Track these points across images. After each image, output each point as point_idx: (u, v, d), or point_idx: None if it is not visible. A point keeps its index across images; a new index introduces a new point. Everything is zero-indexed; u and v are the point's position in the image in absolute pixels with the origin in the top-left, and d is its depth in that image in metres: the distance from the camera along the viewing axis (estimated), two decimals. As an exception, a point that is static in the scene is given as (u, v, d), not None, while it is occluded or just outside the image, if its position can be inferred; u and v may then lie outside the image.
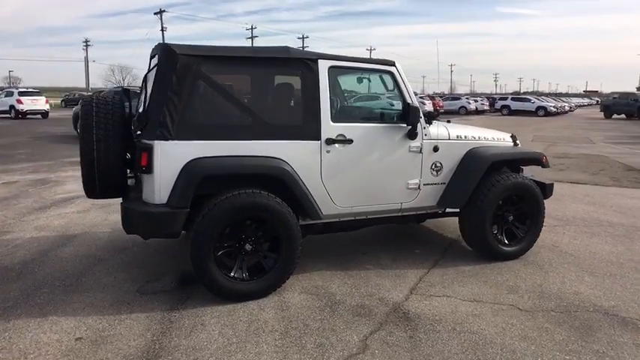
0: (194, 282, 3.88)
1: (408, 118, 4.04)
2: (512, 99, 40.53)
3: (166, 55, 3.47)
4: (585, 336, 3.16)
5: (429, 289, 3.88)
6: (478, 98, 43.72)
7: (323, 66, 3.83)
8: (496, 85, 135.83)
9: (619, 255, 4.75)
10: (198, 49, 3.50)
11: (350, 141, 3.91)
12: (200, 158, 3.47)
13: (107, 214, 6.16)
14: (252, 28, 65.78)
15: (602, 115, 35.11)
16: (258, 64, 3.72)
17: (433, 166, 4.33)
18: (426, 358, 2.88)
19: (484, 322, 3.34)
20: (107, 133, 3.64)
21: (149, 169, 3.41)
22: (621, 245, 5.06)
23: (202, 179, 3.41)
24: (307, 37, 74.95)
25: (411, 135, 4.14)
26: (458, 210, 4.49)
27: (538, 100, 40.00)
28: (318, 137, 3.80)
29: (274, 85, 3.93)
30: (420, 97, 32.00)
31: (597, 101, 67.12)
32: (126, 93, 4.05)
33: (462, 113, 37.96)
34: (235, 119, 3.65)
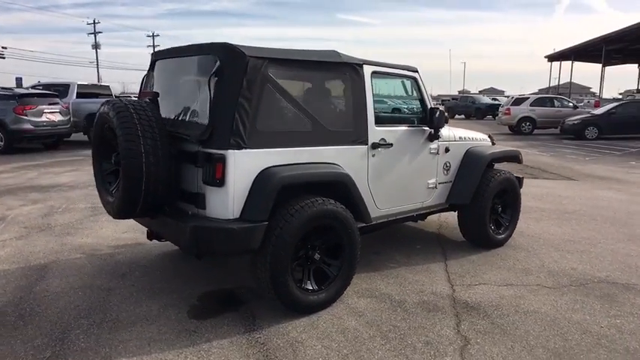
0: (234, 300, 3.69)
1: (432, 121, 4.31)
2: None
3: (234, 56, 3.20)
4: (612, 302, 3.78)
5: (462, 280, 4.21)
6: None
7: (367, 71, 3.90)
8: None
9: (571, 234, 5.65)
10: (264, 51, 3.31)
11: (390, 145, 4.04)
12: (271, 167, 3.29)
13: (56, 237, 5.29)
14: (94, 23, 59.79)
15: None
16: (316, 68, 3.64)
17: (444, 166, 4.68)
18: (523, 339, 3.18)
19: (532, 301, 3.77)
20: (155, 144, 3.22)
21: (222, 181, 3.13)
22: (565, 226, 6.02)
23: (280, 189, 3.24)
24: (158, 36, 71.15)
25: (433, 137, 4.42)
26: (451, 205, 4.90)
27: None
28: (366, 142, 3.86)
29: (329, 90, 3.87)
30: None
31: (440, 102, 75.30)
32: (156, 96, 3.57)
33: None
34: (298, 125, 3.52)
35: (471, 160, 4.83)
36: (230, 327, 3.31)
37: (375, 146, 3.93)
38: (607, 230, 5.84)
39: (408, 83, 4.46)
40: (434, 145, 4.50)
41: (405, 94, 4.58)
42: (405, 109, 4.58)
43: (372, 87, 3.91)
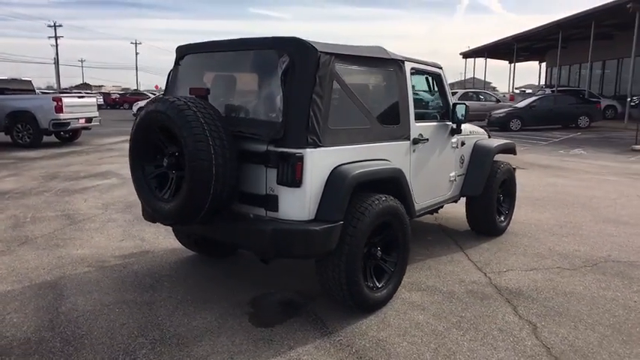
0: (288, 304, 3.60)
1: (455, 116, 4.46)
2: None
3: (306, 52, 3.08)
4: (628, 279, 4.16)
5: (490, 267, 4.41)
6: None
7: (408, 67, 3.93)
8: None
9: (555, 219, 6.12)
10: (330, 47, 3.21)
11: (426, 140, 4.12)
12: (341, 165, 3.23)
13: (45, 250, 4.77)
14: (-14, 12, 53.92)
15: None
16: (371, 64, 3.60)
17: (460, 159, 4.86)
18: (580, 319, 3.41)
19: (563, 283, 4.05)
20: (223, 144, 3.02)
21: (300, 181, 3.01)
22: (545, 212, 6.50)
23: (355, 188, 3.18)
24: (60, 26, 65.84)
25: (454, 132, 4.57)
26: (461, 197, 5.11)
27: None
28: (409, 137, 3.91)
29: (380, 86, 3.82)
30: None
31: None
32: (207, 93, 3.31)
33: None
34: (359, 122, 3.47)
35: (481, 152, 5.06)
36: (304, 332, 3.20)
37: (415, 142, 3.98)
38: (581, 214, 6.40)
39: (431, 79, 4.56)
40: (454, 139, 4.65)
41: (428, 90, 4.68)
42: (431, 105, 4.68)
43: (411, 83, 3.96)
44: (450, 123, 4.54)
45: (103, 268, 4.32)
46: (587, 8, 20.25)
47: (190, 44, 3.80)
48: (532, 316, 3.44)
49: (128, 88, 68.08)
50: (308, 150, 3.02)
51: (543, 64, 38.30)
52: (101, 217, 6.06)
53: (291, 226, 3.03)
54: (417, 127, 4.02)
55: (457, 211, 5.98)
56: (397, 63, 3.81)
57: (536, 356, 2.93)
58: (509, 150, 5.61)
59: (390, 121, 3.76)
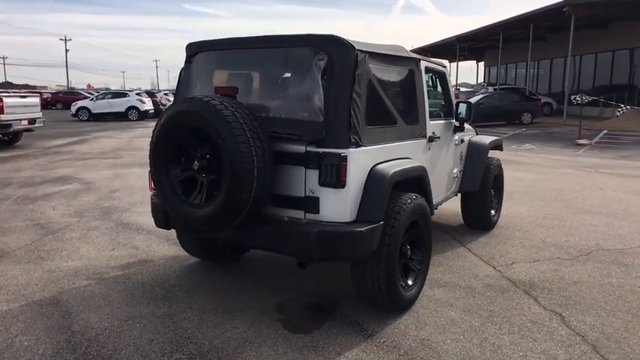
0: (317, 308, 3.54)
1: (459, 114, 4.54)
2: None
3: (346, 50, 3.00)
4: (624, 266, 4.41)
5: (496, 261, 4.53)
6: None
7: (422, 66, 3.95)
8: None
9: (536, 212, 6.40)
10: (363, 45, 3.15)
11: (438, 138, 4.16)
12: (378, 164, 3.19)
13: (29, 264, 4.37)
14: None
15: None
16: (396, 63, 3.57)
17: (460, 156, 4.96)
18: (599, 306, 3.56)
19: (568, 273, 4.23)
20: (262, 145, 2.88)
21: (344, 182, 2.93)
22: (524, 205, 6.78)
23: (393, 188, 3.15)
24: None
25: (457, 129, 4.66)
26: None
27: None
28: (425, 135, 3.93)
29: (403, 85, 3.79)
30: (137, 94, 28.50)
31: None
32: (236, 92, 3.13)
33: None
34: (388, 120, 3.43)
35: (476, 149, 5.18)
36: (345, 336, 3.13)
37: (430, 140, 4.01)
38: (556, 206, 6.73)
39: (435, 78, 4.61)
40: (457, 136, 4.74)
41: (434, 88, 4.72)
42: (438, 103, 4.73)
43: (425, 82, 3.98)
44: (453, 121, 4.61)
45: (103, 280, 4.02)
46: (527, 10, 21.39)
47: (204, 41, 3.60)
48: (555, 307, 3.57)
49: (73, 88, 63.62)
50: (351, 150, 2.95)
51: (481, 64, 40.06)
52: (79, 225, 5.64)
53: (337, 228, 2.95)
54: (431, 126, 4.05)
55: (442, 206, 6.11)
56: (415, 61, 3.82)
57: (575, 345, 3.03)
58: (498, 146, 5.80)
59: (412, 120, 3.76)
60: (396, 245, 3.18)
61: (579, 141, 14.18)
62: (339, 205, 2.99)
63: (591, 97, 16.01)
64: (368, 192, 3.07)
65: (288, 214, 3.12)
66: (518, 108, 20.28)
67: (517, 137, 16.45)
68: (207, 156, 3.03)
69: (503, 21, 24.10)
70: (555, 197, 7.26)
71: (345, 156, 2.91)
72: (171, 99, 30.67)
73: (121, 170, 9.64)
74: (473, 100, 20.87)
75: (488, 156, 5.45)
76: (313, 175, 2.99)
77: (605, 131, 16.41)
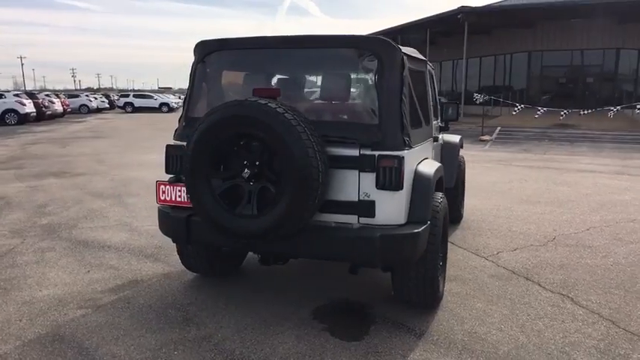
0: (350, 311, 3.52)
1: (445, 114, 4.75)
2: (135, 96, 40.59)
3: (394, 52, 2.99)
4: (589, 248, 4.95)
5: (482, 252, 4.83)
6: (97, 96, 41.67)
7: (429, 67, 4.07)
8: (74, 80, 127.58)
9: (486, 204, 6.91)
10: (402, 48, 3.16)
11: (437, 138, 4.32)
12: (418, 165, 3.23)
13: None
14: None
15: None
16: (419, 65, 3.62)
17: (440, 154, 5.19)
18: (600, 285, 3.96)
19: (550, 258, 4.64)
20: (322, 149, 2.77)
21: (402, 184, 2.92)
22: (473, 198, 7.24)
23: (435, 189, 3.21)
24: None
25: (442, 129, 4.87)
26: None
27: (160, 97, 41.54)
28: (431, 135, 4.06)
29: (422, 87, 3.82)
30: (15, 95, 25.19)
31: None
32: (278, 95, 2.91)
33: (83, 112, 35.38)
34: (419, 122, 3.47)
35: (450, 148, 5.46)
36: (398, 337, 3.13)
37: (435, 140, 4.16)
38: (499, 198, 7.34)
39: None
40: (440, 136, 4.95)
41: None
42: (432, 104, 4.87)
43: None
44: (439, 121, 4.82)
45: (100, 307, 3.55)
46: (426, 16, 23.06)
47: (224, 40, 3.34)
48: (559, 289, 3.91)
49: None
50: (405, 151, 2.96)
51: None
52: (26, 247, 4.91)
53: (398, 230, 2.93)
54: (435, 126, 4.20)
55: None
56: (425, 63, 3.92)
57: (597, 322, 3.35)
58: (462, 145, 6.17)
59: (427, 121, 3.86)
60: (439, 243, 3.26)
61: (482, 137, 15.57)
62: (395, 208, 2.97)
63: (490, 96, 17.63)
64: (416, 193, 3.09)
65: (336, 219, 3.03)
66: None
67: (425, 135, 17.51)
68: (257, 163, 2.84)
69: (405, 24, 25.62)
70: (493, 190, 7.91)
71: (403, 157, 2.91)
72: (55, 100, 28.05)
73: (35, 182, 8.54)
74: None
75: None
76: (368, 178, 2.94)
77: (499, 128, 18.19)
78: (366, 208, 2.97)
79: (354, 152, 2.94)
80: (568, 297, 3.77)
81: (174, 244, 3.77)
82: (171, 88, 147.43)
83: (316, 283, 4.02)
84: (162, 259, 4.57)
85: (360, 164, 2.93)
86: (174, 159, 3.36)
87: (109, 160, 11.32)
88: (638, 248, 4.93)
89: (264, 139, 2.73)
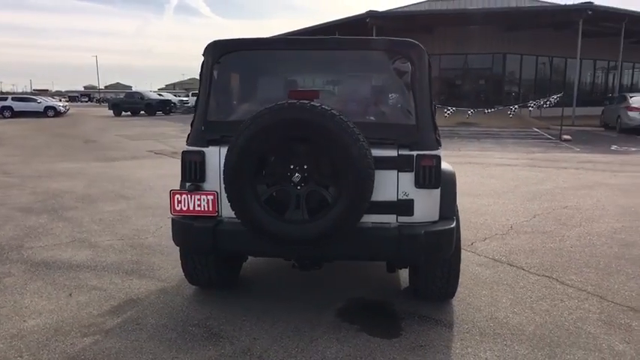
0: (371, 311, 3.64)
1: None
2: (14, 99, 36.34)
3: (423, 54, 3.10)
4: (548, 233, 5.51)
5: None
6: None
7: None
8: None
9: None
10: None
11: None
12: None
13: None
14: None
15: (111, 113, 37.24)
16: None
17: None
18: (571, 265, 4.43)
19: (519, 245, 5.09)
20: (371, 152, 2.80)
21: (439, 182, 3.04)
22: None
23: None
24: None
25: None
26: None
27: (44, 100, 37.67)
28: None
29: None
30: None
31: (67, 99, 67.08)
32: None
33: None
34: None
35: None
36: (433, 330, 3.26)
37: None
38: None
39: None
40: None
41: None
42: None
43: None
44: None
45: (109, 332, 3.22)
46: (335, 19, 23.66)
47: (243, 40, 3.21)
48: (543, 272, 4.31)
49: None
50: (440, 150, 3.08)
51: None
52: (-25, 274, 4.26)
53: (437, 227, 3.04)
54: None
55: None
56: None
57: (589, 298, 3.77)
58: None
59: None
60: (460, 237, 3.43)
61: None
62: (431, 206, 3.09)
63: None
64: (445, 190, 3.23)
65: (373, 219, 3.07)
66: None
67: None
68: (305, 166, 2.79)
69: (312, 27, 26.05)
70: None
71: (440, 156, 3.04)
72: None
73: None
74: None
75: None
76: (407, 178, 3.02)
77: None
78: (406, 206, 3.05)
79: (392, 153, 3.00)
80: (553, 278, 4.18)
81: (153, 260, 3.55)
82: (48, 90, 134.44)
83: (322, 285, 4.01)
84: (148, 275, 4.24)
85: (399, 164, 3.00)
86: (192, 165, 3.16)
87: (15, 170, 10.12)
88: (583, 231, 5.60)
89: (318, 142, 2.70)
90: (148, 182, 8.63)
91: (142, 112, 36.26)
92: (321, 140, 2.68)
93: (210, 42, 3.26)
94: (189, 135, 3.29)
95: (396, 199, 3.05)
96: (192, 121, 3.28)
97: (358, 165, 2.67)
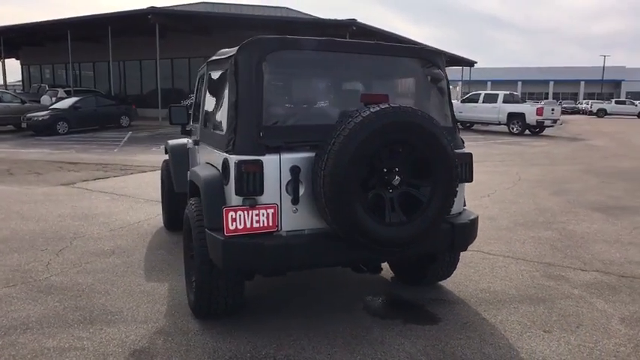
0: (391, 308, 3.80)
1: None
2: None
3: (444, 62, 3.41)
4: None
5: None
6: None
7: None
8: None
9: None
10: None
11: None
12: None
13: None
14: None
15: None
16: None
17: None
18: (589, 258, 5.30)
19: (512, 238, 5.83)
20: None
21: (472, 177, 3.44)
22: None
23: None
24: None
25: None
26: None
27: None
28: None
29: None
30: None
31: None
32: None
33: None
34: None
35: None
36: (458, 307, 3.64)
37: None
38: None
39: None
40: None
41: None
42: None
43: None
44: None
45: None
46: (113, 11, 21.11)
47: (288, 39, 2.96)
48: (566, 271, 5.11)
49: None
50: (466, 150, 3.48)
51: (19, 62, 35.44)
52: None
53: (471, 216, 3.42)
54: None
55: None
56: None
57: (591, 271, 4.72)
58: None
59: None
60: None
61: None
62: (461, 198, 3.45)
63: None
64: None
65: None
66: (116, 111, 20.05)
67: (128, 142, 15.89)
68: (397, 169, 2.83)
69: (79, 17, 22.76)
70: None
71: (472, 154, 3.43)
72: None
73: None
74: (66, 103, 18.93)
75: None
76: None
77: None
78: None
79: None
80: (542, 263, 4.70)
81: (96, 302, 3.44)
82: None
83: (321, 286, 3.96)
84: (115, 319, 3.42)
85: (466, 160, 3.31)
86: (250, 177, 2.78)
87: None
88: (520, 208, 6.75)
89: (416, 144, 2.78)
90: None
91: None
92: (421, 142, 2.78)
93: (250, 39, 2.93)
94: (232, 141, 2.88)
95: (437, 195, 3.33)
96: (234, 126, 2.88)
97: (452, 164, 2.88)
